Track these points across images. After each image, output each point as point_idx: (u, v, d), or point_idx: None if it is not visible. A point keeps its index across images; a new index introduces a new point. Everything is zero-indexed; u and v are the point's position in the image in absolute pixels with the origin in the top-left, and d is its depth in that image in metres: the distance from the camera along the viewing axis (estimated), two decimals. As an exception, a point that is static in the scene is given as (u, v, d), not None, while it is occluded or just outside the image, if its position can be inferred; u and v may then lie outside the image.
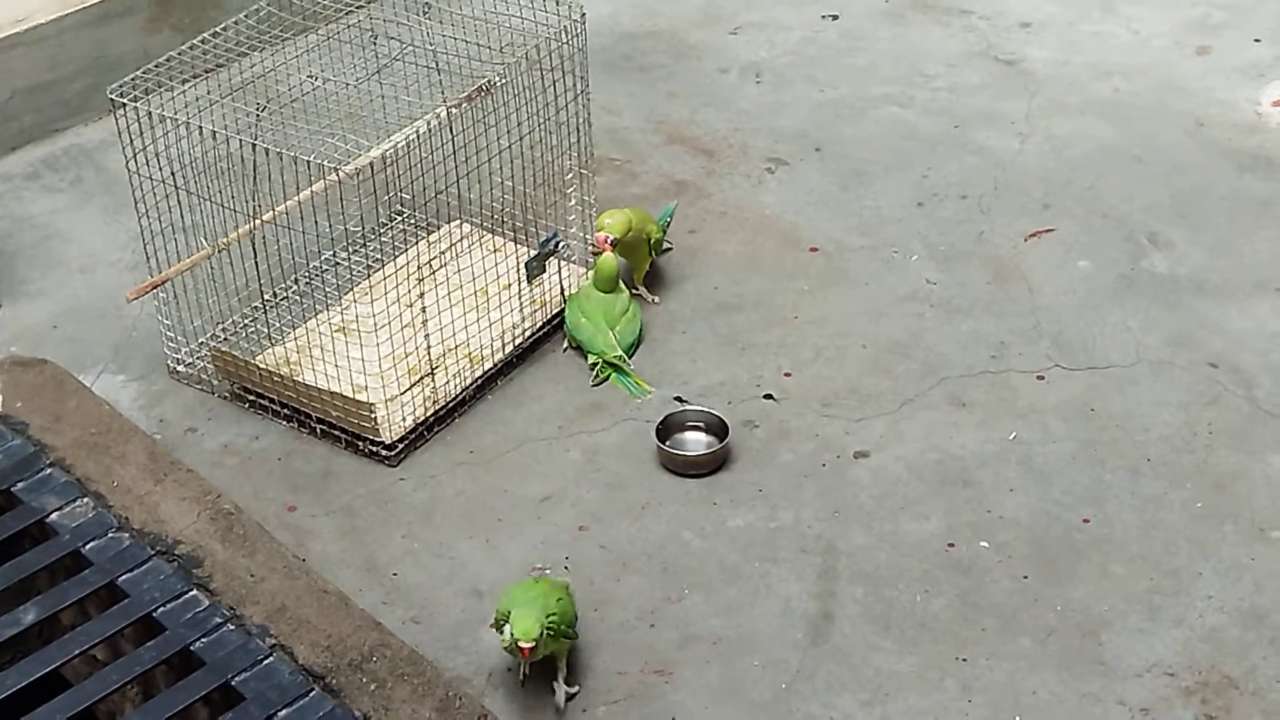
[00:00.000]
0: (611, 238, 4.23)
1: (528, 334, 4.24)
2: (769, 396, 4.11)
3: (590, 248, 4.39)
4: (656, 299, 4.44)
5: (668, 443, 3.93)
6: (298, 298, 4.39)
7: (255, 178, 3.87)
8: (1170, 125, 5.16)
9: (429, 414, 4.00)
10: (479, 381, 4.12)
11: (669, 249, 4.59)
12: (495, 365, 4.16)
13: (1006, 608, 3.52)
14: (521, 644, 3.15)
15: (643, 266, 4.42)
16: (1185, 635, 3.44)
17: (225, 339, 4.24)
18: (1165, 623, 3.47)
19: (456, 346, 4.09)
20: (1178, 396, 4.07)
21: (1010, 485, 3.83)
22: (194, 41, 4.07)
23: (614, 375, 4.16)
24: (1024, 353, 4.23)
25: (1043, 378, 4.15)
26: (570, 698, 3.30)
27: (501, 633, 3.22)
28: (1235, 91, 5.32)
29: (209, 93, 3.98)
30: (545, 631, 3.18)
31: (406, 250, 4.43)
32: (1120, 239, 4.65)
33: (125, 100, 3.86)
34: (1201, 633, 3.45)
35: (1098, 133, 5.14)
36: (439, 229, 4.52)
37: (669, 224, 4.57)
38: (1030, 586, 3.57)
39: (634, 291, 4.41)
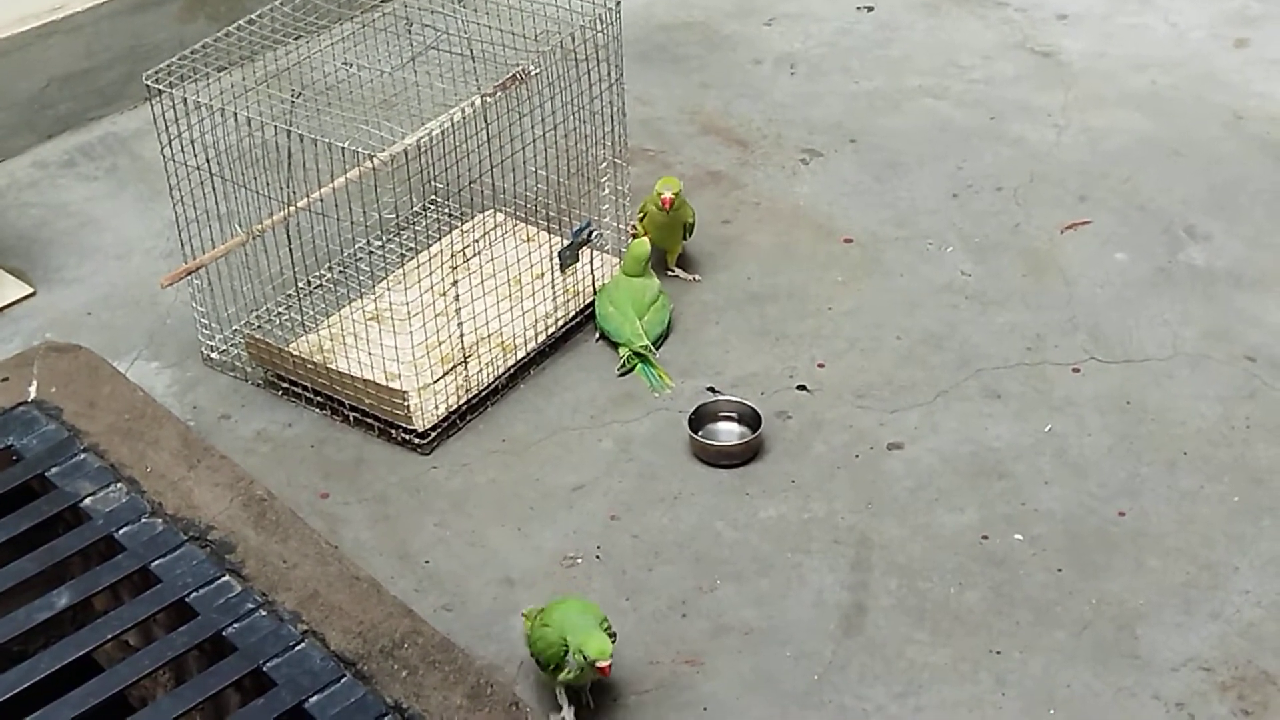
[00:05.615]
0: (668, 194, 4.23)
1: (560, 323, 4.23)
2: (802, 387, 4.09)
3: (630, 229, 4.42)
4: (698, 277, 4.44)
5: (700, 433, 3.92)
6: (331, 285, 4.39)
7: (290, 165, 3.87)
8: (1208, 118, 5.12)
9: (461, 402, 3.99)
10: (511, 370, 4.11)
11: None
12: (528, 354, 4.15)
13: (1041, 600, 3.50)
14: (600, 664, 3.05)
15: (675, 249, 4.43)
16: (1222, 630, 3.42)
17: (259, 326, 4.24)
18: (1201, 617, 3.45)
19: (489, 335, 4.09)
20: (1215, 390, 4.04)
21: (1045, 478, 3.81)
22: (229, 29, 4.07)
23: (639, 366, 4.16)
24: (1060, 345, 4.20)
25: (1079, 370, 4.12)
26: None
27: (560, 666, 3.12)
28: (1274, 84, 5.27)
29: (244, 80, 3.99)
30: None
31: (440, 239, 4.44)
32: (1157, 231, 4.61)
33: (161, 87, 3.87)
34: (1239, 627, 3.42)
35: (1135, 125, 5.10)
36: (472, 218, 4.51)
37: None
38: (1065, 579, 3.54)
39: (669, 273, 4.41)
